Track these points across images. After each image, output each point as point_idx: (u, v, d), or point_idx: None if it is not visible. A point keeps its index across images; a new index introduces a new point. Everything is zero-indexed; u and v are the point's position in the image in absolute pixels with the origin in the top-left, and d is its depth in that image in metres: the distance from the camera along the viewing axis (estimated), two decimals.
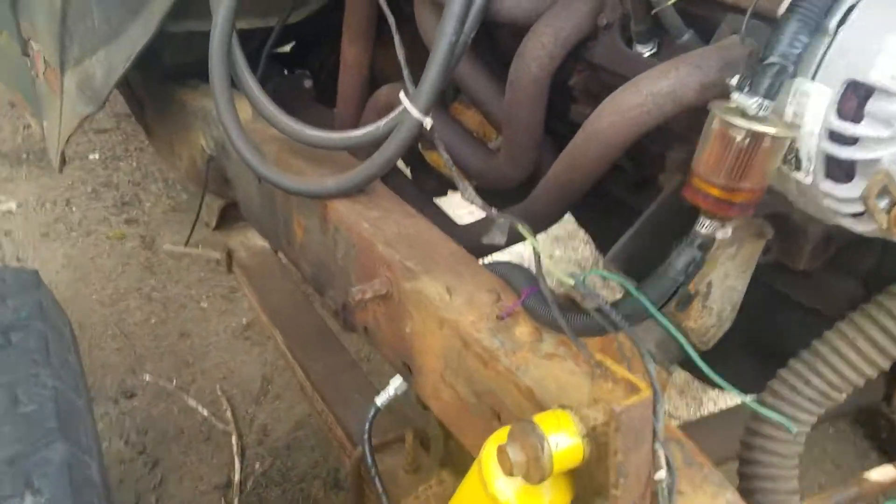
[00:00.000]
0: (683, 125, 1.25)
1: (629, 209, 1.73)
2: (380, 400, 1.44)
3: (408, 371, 1.32)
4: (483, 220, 1.67)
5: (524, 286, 1.18)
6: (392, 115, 1.36)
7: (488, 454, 0.92)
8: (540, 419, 0.86)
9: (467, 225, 1.69)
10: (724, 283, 1.23)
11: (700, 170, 0.90)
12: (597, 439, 0.86)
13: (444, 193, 2.02)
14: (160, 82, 2.16)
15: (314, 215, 1.48)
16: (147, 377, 2.85)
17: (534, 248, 1.11)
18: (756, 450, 1.24)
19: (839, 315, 1.30)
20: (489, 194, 1.41)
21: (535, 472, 0.84)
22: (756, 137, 0.86)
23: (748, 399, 1.01)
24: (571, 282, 1.01)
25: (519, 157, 1.47)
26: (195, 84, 2.06)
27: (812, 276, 1.33)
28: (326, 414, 1.75)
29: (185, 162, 2.17)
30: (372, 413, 1.44)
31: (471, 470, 0.99)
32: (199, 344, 3.04)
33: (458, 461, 1.66)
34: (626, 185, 1.61)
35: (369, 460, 1.46)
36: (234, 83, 1.53)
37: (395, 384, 1.43)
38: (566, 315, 1.07)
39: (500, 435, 0.93)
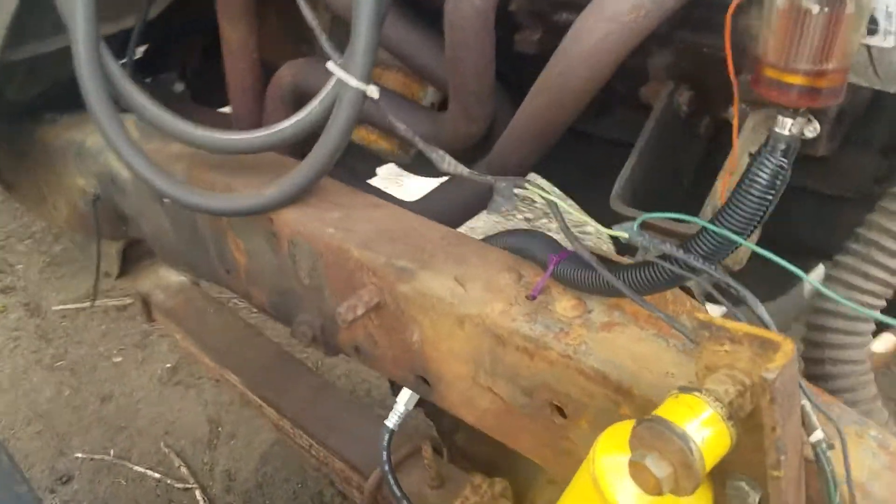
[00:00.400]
0: (666, 23, 1.08)
1: (592, 139, 1.56)
2: (391, 422, 1.24)
3: (424, 384, 1.12)
4: (439, 189, 1.47)
5: (547, 253, 0.99)
6: (323, 92, 1.13)
7: (605, 468, 0.74)
8: (667, 412, 0.68)
9: (422, 200, 1.47)
10: None
11: (772, 59, 0.73)
12: (738, 416, 0.69)
13: (373, 174, 1.80)
14: (7, 125, 1.82)
15: (257, 234, 1.23)
16: (79, 455, 2.54)
17: (555, 205, 0.92)
18: (826, 363, 1.11)
19: (864, 195, 1.17)
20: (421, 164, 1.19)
21: (686, 481, 0.66)
22: (836, 2, 0.69)
23: (839, 297, 0.84)
24: (624, 234, 0.83)
25: (473, 108, 1.27)
26: (52, 117, 1.74)
27: (828, 160, 1.20)
28: (316, 449, 1.52)
29: (63, 211, 1.85)
30: (387, 437, 1.24)
31: (575, 483, 0.80)
32: (126, 403, 2.73)
33: (476, 455, 1.49)
34: (586, 111, 1.43)
35: (396, 490, 1.26)
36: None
37: (404, 400, 1.23)
38: (618, 273, 0.89)
39: (613, 441, 0.75)
